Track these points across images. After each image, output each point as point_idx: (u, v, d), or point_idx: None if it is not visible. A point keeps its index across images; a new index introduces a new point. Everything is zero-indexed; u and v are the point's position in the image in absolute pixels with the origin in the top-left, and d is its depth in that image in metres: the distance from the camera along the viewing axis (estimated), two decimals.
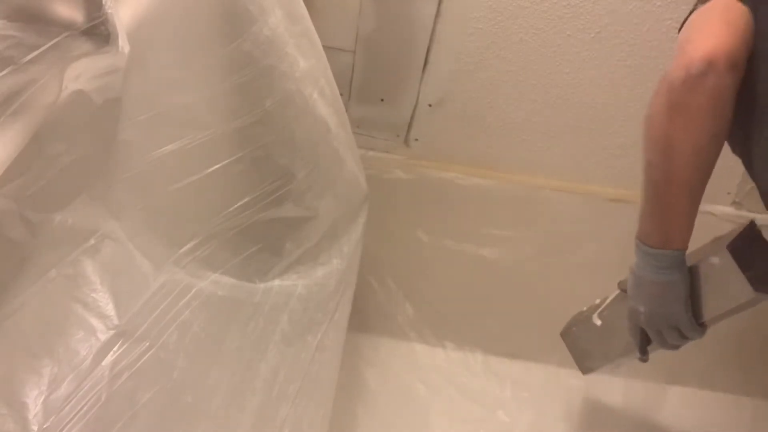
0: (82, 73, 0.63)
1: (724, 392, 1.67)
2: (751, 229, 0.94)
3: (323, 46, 1.05)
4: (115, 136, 0.73)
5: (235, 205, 0.93)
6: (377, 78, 1.46)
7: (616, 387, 1.66)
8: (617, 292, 1.11)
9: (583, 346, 1.17)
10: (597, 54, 1.38)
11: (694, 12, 0.89)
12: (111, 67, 0.65)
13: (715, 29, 0.82)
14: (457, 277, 1.65)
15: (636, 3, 1.31)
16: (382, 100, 1.49)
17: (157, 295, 0.75)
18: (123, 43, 0.63)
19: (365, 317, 1.63)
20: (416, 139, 1.55)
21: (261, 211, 0.97)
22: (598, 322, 1.11)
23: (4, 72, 0.54)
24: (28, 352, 0.62)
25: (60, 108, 0.61)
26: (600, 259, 1.60)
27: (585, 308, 1.20)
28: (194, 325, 0.80)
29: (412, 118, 1.52)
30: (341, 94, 1.16)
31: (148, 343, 0.71)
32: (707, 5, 0.87)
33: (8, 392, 0.59)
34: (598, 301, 1.17)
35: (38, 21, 0.58)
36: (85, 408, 0.63)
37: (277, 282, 1.02)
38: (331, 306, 1.12)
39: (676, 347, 1.01)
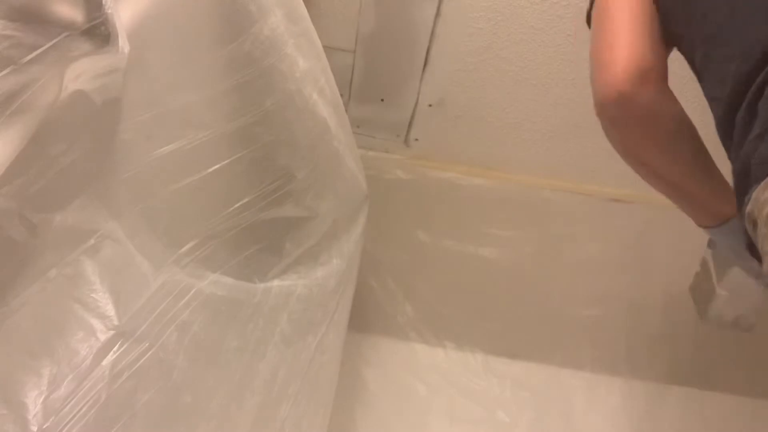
0: (82, 73, 0.62)
1: (724, 392, 1.67)
2: None
3: (323, 46, 1.05)
4: (115, 136, 0.73)
5: (235, 205, 0.93)
6: (377, 78, 1.46)
7: (616, 387, 1.66)
8: (710, 252, 1.10)
9: (731, 316, 1.17)
10: None
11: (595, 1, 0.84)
12: (111, 67, 0.65)
13: (621, 41, 0.76)
14: (457, 277, 1.65)
15: None
16: (382, 100, 1.49)
17: (156, 295, 0.75)
18: (123, 43, 0.63)
19: (365, 317, 1.63)
20: (416, 139, 1.55)
21: (261, 211, 0.97)
22: (724, 293, 1.11)
23: (4, 72, 0.54)
24: (27, 352, 0.62)
25: (60, 108, 0.61)
26: (600, 259, 1.60)
27: (691, 282, 1.18)
28: (194, 325, 0.80)
29: (412, 118, 1.52)
30: (341, 94, 1.16)
31: (147, 344, 0.71)
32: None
33: (8, 392, 0.59)
34: (698, 269, 1.15)
35: (38, 21, 0.58)
36: (84, 408, 0.63)
37: (276, 282, 1.02)
38: (331, 306, 1.12)
39: None
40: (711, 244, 1.08)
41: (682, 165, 0.84)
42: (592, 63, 0.80)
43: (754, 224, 0.70)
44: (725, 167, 0.85)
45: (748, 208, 0.70)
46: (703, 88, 0.77)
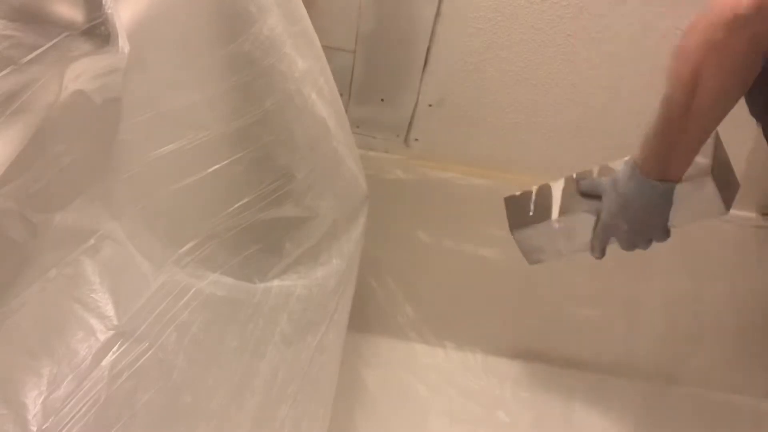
0: (82, 73, 0.63)
1: (724, 392, 1.67)
2: (718, 146, 0.98)
3: (323, 46, 1.05)
4: (115, 136, 0.73)
5: (235, 205, 0.93)
6: (377, 78, 1.46)
7: (616, 387, 1.66)
8: (564, 181, 1.12)
9: (535, 243, 1.17)
10: (597, 54, 1.38)
11: None
12: (111, 67, 0.65)
13: None
14: (457, 277, 1.65)
15: (636, 3, 1.31)
16: (382, 100, 1.49)
17: (156, 295, 0.75)
18: (123, 43, 0.63)
19: (365, 317, 1.63)
20: (416, 139, 1.55)
21: (261, 211, 0.97)
22: (557, 226, 1.12)
23: (4, 72, 0.54)
24: (27, 352, 0.62)
25: (60, 108, 0.61)
26: (600, 259, 1.60)
27: (518, 193, 1.18)
28: (193, 325, 0.80)
29: (412, 118, 1.52)
30: (341, 94, 1.16)
31: (147, 344, 0.71)
32: None
33: (8, 392, 0.59)
34: (535, 188, 1.16)
35: (38, 21, 0.58)
36: (84, 408, 0.63)
37: (276, 282, 1.02)
38: (330, 306, 1.12)
39: (635, 249, 1.05)
40: (580, 177, 1.09)
41: (717, 116, 0.87)
42: None
43: None
44: None
45: None
46: None
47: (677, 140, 0.90)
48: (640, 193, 0.96)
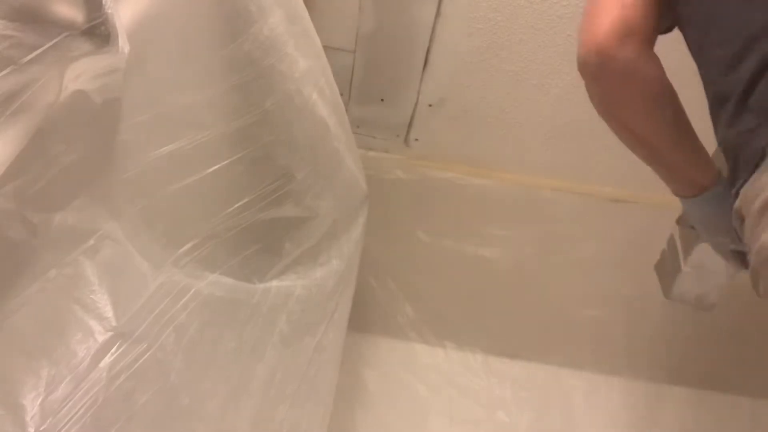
0: (82, 73, 0.62)
1: (724, 392, 1.67)
2: None
3: (323, 46, 1.05)
4: (115, 136, 0.73)
5: (235, 206, 0.93)
6: (377, 78, 1.46)
7: (616, 387, 1.66)
8: (678, 230, 1.10)
9: (694, 294, 1.17)
10: None
11: None
12: (111, 67, 0.65)
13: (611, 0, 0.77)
14: (457, 277, 1.65)
15: None
16: (382, 100, 1.49)
17: (155, 296, 0.75)
18: (123, 43, 0.63)
19: (365, 317, 1.63)
20: (416, 139, 1.55)
21: (260, 212, 0.97)
22: (689, 270, 1.11)
23: (4, 72, 0.54)
24: (26, 352, 0.62)
25: (60, 108, 0.61)
26: (600, 259, 1.60)
27: (659, 257, 1.18)
28: (192, 326, 0.80)
29: (412, 118, 1.52)
30: (341, 94, 1.16)
31: (145, 345, 0.71)
32: None
33: (5, 393, 0.59)
34: (664, 248, 1.15)
35: (38, 21, 0.58)
36: (82, 410, 0.63)
37: (275, 282, 1.02)
38: (330, 306, 1.12)
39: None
40: (680, 221, 1.08)
41: (661, 130, 0.84)
42: (582, 17, 0.80)
43: (742, 220, 0.71)
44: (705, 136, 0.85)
45: (736, 204, 0.71)
46: (699, 69, 0.77)
47: (665, 166, 0.88)
48: (698, 212, 0.92)
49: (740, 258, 0.97)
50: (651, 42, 0.79)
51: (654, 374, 1.67)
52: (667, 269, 1.16)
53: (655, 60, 0.79)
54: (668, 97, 0.82)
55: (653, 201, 1.46)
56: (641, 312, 1.65)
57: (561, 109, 1.46)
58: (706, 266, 1.09)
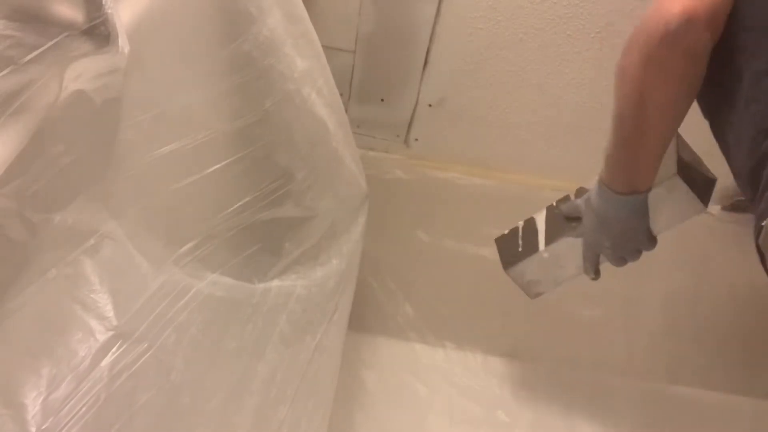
0: (82, 73, 0.63)
1: (724, 392, 1.67)
2: (682, 147, 0.99)
3: (323, 46, 1.05)
4: (115, 136, 0.73)
5: (235, 205, 0.93)
6: (377, 78, 1.46)
7: (616, 387, 1.66)
8: (546, 214, 1.14)
9: (530, 277, 1.19)
10: (597, 54, 1.37)
11: None
12: (111, 67, 0.65)
13: None
14: (457, 277, 1.65)
15: (636, 3, 1.31)
16: (382, 100, 1.49)
17: (156, 295, 0.75)
18: (123, 43, 0.63)
19: (365, 317, 1.63)
20: (416, 139, 1.55)
21: (260, 211, 0.97)
22: (546, 255, 1.13)
23: (4, 72, 0.54)
24: (27, 352, 0.62)
25: (60, 108, 0.61)
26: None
27: (507, 232, 1.21)
28: (193, 326, 0.80)
29: (412, 118, 1.52)
30: (341, 94, 1.16)
31: (146, 344, 0.71)
32: None
33: (7, 392, 0.59)
34: (521, 224, 1.19)
35: (38, 21, 0.58)
36: (83, 409, 0.63)
37: (276, 282, 1.02)
38: (330, 306, 1.12)
39: (626, 263, 1.06)
40: (557, 207, 1.11)
41: (670, 126, 0.88)
42: None
43: (762, 256, 0.75)
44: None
45: (760, 239, 0.74)
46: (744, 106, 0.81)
47: (635, 155, 0.91)
48: (613, 209, 0.97)
49: (594, 266, 1.08)
50: (711, 45, 0.82)
51: (654, 374, 1.67)
52: (515, 244, 1.19)
53: (706, 61, 0.83)
54: (690, 99, 0.86)
55: None
56: (641, 312, 1.65)
57: (561, 109, 1.46)
58: (560, 258, 1.13)
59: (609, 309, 1.66)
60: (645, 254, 1.06)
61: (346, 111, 1.17)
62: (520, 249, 1.18)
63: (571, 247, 1.09)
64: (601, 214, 0.99)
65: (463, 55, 1.41)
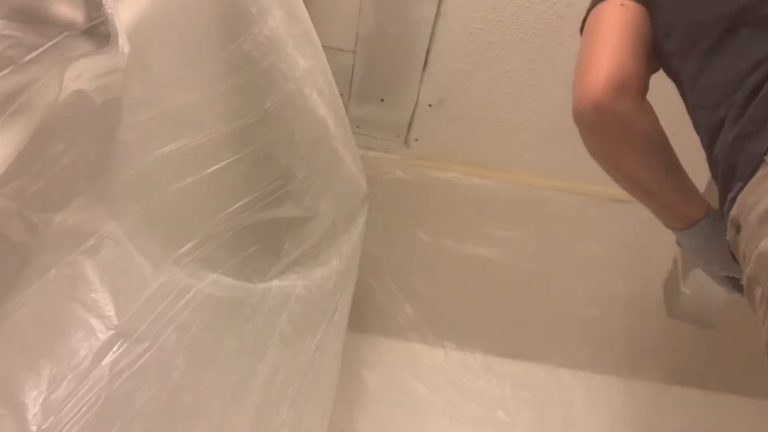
0: (82, 73, 0.62)
1: (725, 392, 1.67)
2: None
3: (323, 46, 1.05)
4: (115, 136, 0.73)
5: (235, 205, 0.93)
6: (377, 78, 1.46)
7: (616, 387, 1.66)
8: (680, 251, 1.12)
9: (693, 313, 1.19)
10: None
11: (590, 14, 0.87)
12: (111, 67, 0.65)
13: (606, 54, 0.80)
14: (457, 277, 1.66)
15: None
16: (382, 100, 1.49)
17: (156, 295, 0.75)
18: (123, 43, 0.63)
19: (365, 317, 1.63)
20: (416, 139, 1.55)
21: (260, 212, 0.97)
22: (688, 291, 1.13)
23: (4, 72, 0.54)
24: (27, 352, 0.62)
25: (60, 108, 0.61)
26: (600, 259, 1.60)
27: (665, 280, 1.20)
28: (193, 325, 0.80)
29: (412, 118, 1.52)
30: (341, 94, 1.16)
31: (147, 344, 0.71)
32: (599, 9, 0.84)
33: (7, 392, 0.59)
34: (670, 267, 1.18)
35: (38, 21, 0.58)
36: (84, 408, 0.63)
37: (276, 282, 1.02)
38: (330, 306, 1.12)
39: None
40: (679, 243, 1.09)
41: (655, 172, 0.87)
42: (576, 70, 0.84)
43: (737, 228, 0.72)
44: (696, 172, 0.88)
45: (733, 212, 0.72)
46: (693, 99, 0.79)
47: (657, 203, 0.90)
48: (690, 242, 0.95)
49: (732, 283, 1.00)
50: (644, 92, 0.82)
51: (654, 374, 1.67)
52: (670, 287, 1.19)
53: (649, 109, 0.82)
54: (661, 143, 0.85)
55: None
56: (641, 312, 1.65)
57: (561, 109, 1.46)
58: (704, 288, 1.11)
59: (609, 309, 1.66)
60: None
61: (346, 111, 1.17)
62: (671, 290, 1.18)
63: (704, 275, 1.06)
64: (690, 247, 0.97)
65: (463, 55, 1.41)
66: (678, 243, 1.08)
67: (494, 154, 1.55)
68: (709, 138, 0.76)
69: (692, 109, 0.81)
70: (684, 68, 0.80)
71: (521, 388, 1.65)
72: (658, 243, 1.12)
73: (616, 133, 0.81)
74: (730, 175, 0.72)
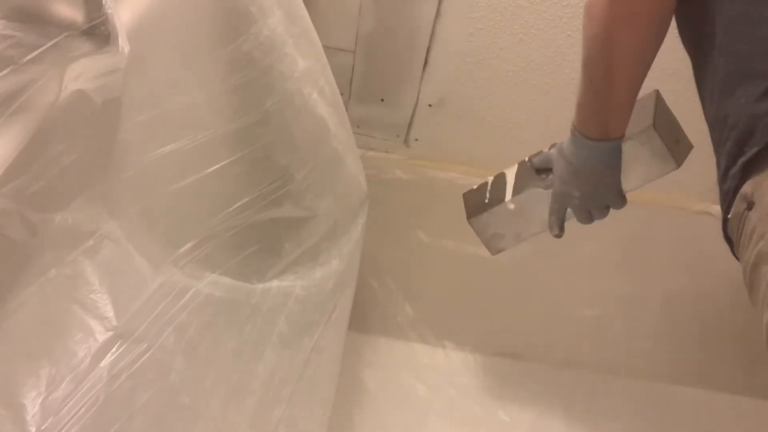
0: (82, 73, 0.63)
1: (725, 392, 1.67)
2: (660, 104, 0.97)
3: (323, 46, 1.05)
4: (115, 136, 0.73)
5: (235, 206, 0.93)
6: (377, 78, 1.46)
7: (616, 387, 1.66)
8: (518, 167, 1.11)
9: (493, 230, 1.16)
10: None
11: None
12: (111, 67, 0.65)
13: None
14: (457, 277, 1.65)
15: None
16: (382, 100, 1.49)
17: (155, 296, 0.75)
18: (123, 43, 0.63)
19: (365, 317, 1.63)
20: (416, 139, 1.55)
21: (260, 212, 0.97)
22: (512, 206, 1.11)
23: (4, 72, 0.55)
24: (26, 352, 0.62)
25: (60, 108, 0.61)
26: (600, 259, 1.60)
27: (476, 186, 1.18)
28: (192, 326, 0.80)
29: (412, 118, 1.52)
30: (341, 94, 1.16)
31: (146, 345, 0.71)
32: None
33: (6, 393, 0.59)
34: (490, 179, 1.16)
35: (38, 21, 0.58)
36: (83, 409, 0.63)
37: (275, 283, 1.02)
38: (329, 307, 1.12)
39: (592, 221, 1.03)
40: (531, 160, 1.08)
41: (639, 68, 0.86)
42: None
43: (749, 205, 0.72)
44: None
45: (746, 188, 0.71)
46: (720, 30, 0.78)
47: (607, 97, 0.88)
48: (586, 155, 0.94)
49: (559, 221, 1.04)
50: None
51: (654, 374, 1.67)
52: (481, 197, 1.16)
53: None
54: (662, 35, 0.84)
55: (653, 201, 1.46)
56: (641, 312, 1.65)
57: (561, 109, 1.46)
58: (526, 211, 1.10)
59: (609, 309, 1.66)
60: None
61: (346, 111, 1.17)
62: (486, 200, 1.15)
63: (539, 199, 1.06)
64: (573, 161, 0.96)
65: (463, 55, 1.41)
66: (528, 159, 1.08)
67: (494, 154, 1.55)
68: (723, 85, 0.76)
69: (716, 49, 0.79)
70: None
71: (521, 388, 1.65)
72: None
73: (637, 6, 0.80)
74: (746, 137, 0.72)
